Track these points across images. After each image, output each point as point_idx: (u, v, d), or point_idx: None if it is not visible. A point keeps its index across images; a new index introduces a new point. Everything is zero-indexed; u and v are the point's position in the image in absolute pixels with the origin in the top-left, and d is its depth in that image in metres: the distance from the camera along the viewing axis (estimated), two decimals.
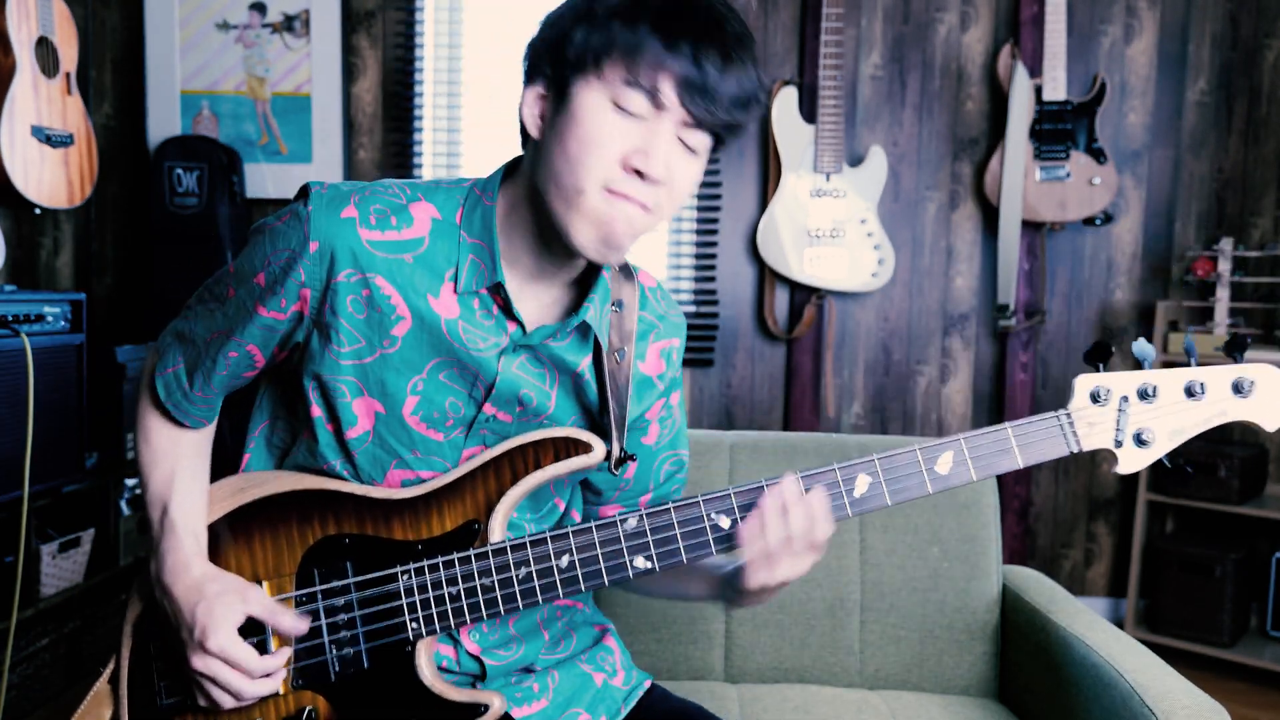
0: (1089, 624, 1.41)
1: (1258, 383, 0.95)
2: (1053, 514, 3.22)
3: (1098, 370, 0.96)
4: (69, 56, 2.62)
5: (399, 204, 0.98)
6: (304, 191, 0.98)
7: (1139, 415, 0.96)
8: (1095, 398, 0.96)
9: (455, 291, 0.97)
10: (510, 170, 1.02)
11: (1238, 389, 0.96)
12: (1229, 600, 2.79)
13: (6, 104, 2.41)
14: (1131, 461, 0.97)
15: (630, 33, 0.86)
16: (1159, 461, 0.97)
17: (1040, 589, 1.58)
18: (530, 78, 0.95)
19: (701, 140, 0.92)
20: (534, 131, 0.94)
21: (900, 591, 1.61)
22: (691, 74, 0.86)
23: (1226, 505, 2.79)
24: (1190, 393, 0.96)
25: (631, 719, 1.14)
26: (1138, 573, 3.00)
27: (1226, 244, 2.88)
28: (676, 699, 1.19)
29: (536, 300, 1.02)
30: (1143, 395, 0.96)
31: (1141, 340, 0.96)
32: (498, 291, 0.98)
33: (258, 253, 0.98)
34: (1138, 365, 0.97)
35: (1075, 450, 0.96)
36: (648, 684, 1.19)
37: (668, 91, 0.87)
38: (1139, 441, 0.96)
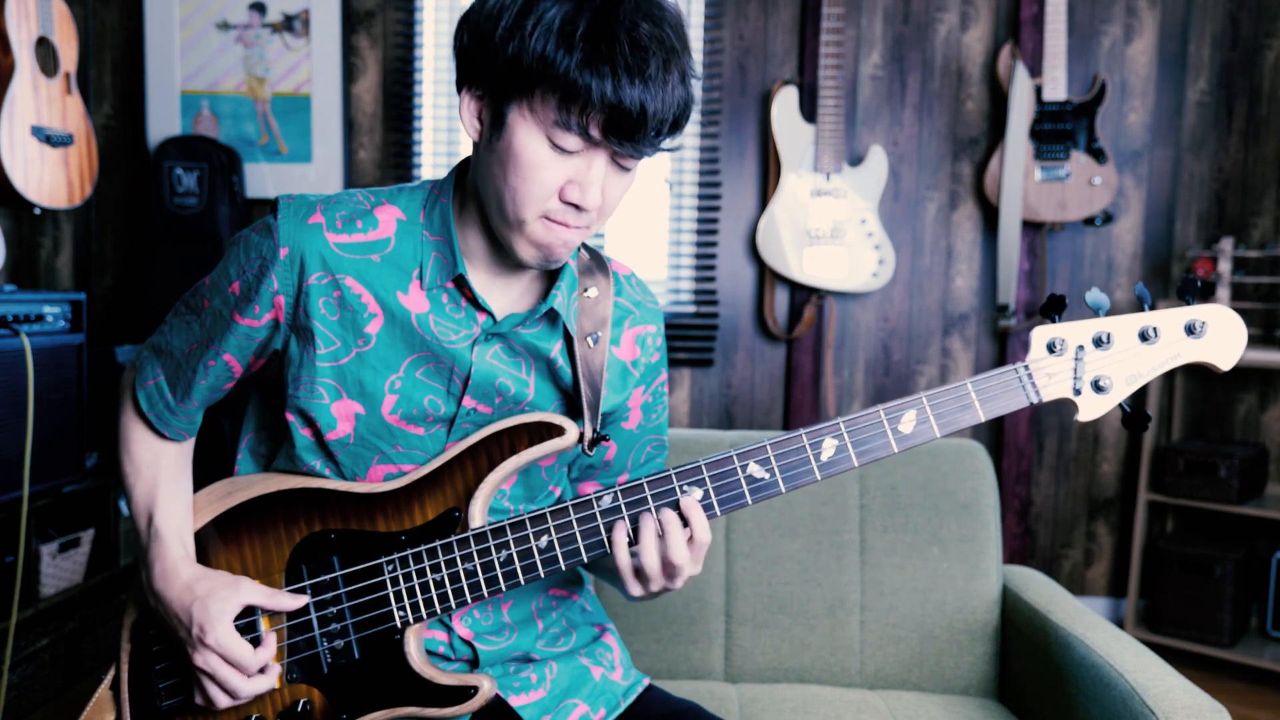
0: (1089, 624, 1.41)
1: (1209, 323, 0.96)
2: (1053, 514, 3.22)
3: (1053, 322, 0.97)
4: (69, 56, 2.62)
5: (364, 209, 1.02)
6: (274, 204, 1.02)
7: (1096, 362, 0.97)
8: (1052, 348, 0.97)
9: (422, 287, 1.01)
10: (464, 168, 1.05)
11: (1190, 330, 0.96)
12: (1229, 600, 2.79)
13: (6, 104, 2.41)
14: (1092, 409, 0.98)
15: (557, 66, 0.85)
16: (1119, 406, 0.98)
17: (1040, 589, 1.58)
18: (464, 79, 0.95)
19: (634, 160, 0.94)
20: (473, 135, 0.96)
21: (900, 591, 1.61)
22: (616, 111, 0.87)
23: (1226, 505, 2.79)
24: (1144, 337, 0.97)
25: (630, 715, 1.15)
26: (1138, 573, 3.00)
27: (1227, 244, 2.88)
28: (675, 698, 1.19)
29: (506, 292, 1.04)
30: (1098, 343, 0.97)
31: (1095, 289, 0.98)
32: (462, 284, 1.01)
33: (232, 263, 1.02)
34: (1093, 314, 0.98)
35: (1036, 401, 0.97)
36: (646, 682, 1.20)
37: (595, 130, 0.88)
38: (1097, 388, 0.97)
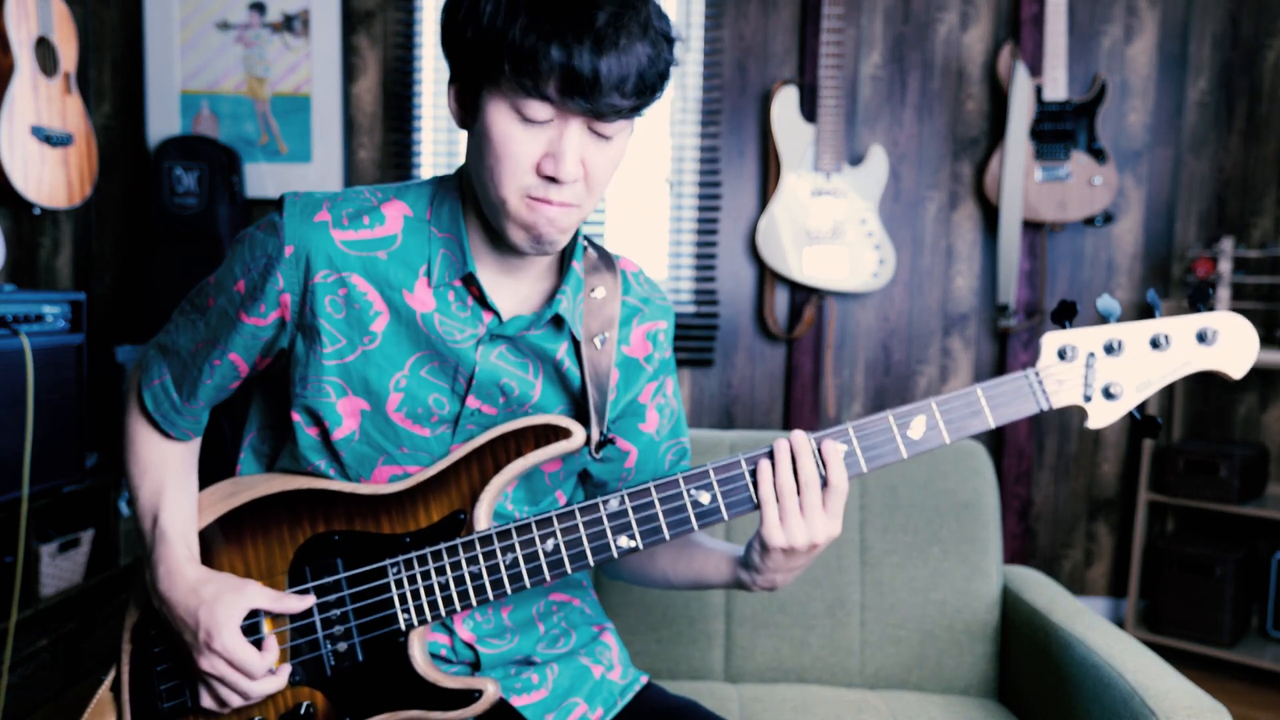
0: (1089, 624, 1.41)
1: (1221, 331, 0.96)
2: (1053, 514, 3.22)
3: (1064, 328, 0.97)
4: (68, 56, 2.62)
5: (371, 205, 1.01)
6: (279, 202, 1.01)
7: (1106, 369, 0.97)
8: (1063, 355, 0.97)
9: (430, 285, 1.00)
10: None
11: (1202, 338, 0.96)
12: (1229, 600, 2.79)
13: (6, 104, 2.41)
14: (1102, 416, 0.97)
15: (510, 38, 0.85)
16: (1129, 413, 0.98)
17: (1040, 589, 1.58)
18: (450, 73, 0.96)
19: (613, 126, 0.91)
20: (461, 126, 0.97)
21: (900, 591, 1.61)
22: (568, 74, 0.85)
23: (1227, 505, 2.79)
24: (1155, 344, 0.96)
25: (628, 713, 1.15)
26: (1138, 573, 3.00)
27: (1227, 244, 2.88)
28: (672, 695, 1.20)
29: (514, 292, 1.03)
30: (1109, 349, 0.97)
31: (1106, 296, 0.97)
32: (471, 282, 1.00)
33: (237, 262, 1.01)
34: (1104, 321, 0.98)
35: (1045, 408, 0.96)
36: (644, 680, 1.20)
37: (554, 94, 0.87)
38: (1108, 395, 0.97)
